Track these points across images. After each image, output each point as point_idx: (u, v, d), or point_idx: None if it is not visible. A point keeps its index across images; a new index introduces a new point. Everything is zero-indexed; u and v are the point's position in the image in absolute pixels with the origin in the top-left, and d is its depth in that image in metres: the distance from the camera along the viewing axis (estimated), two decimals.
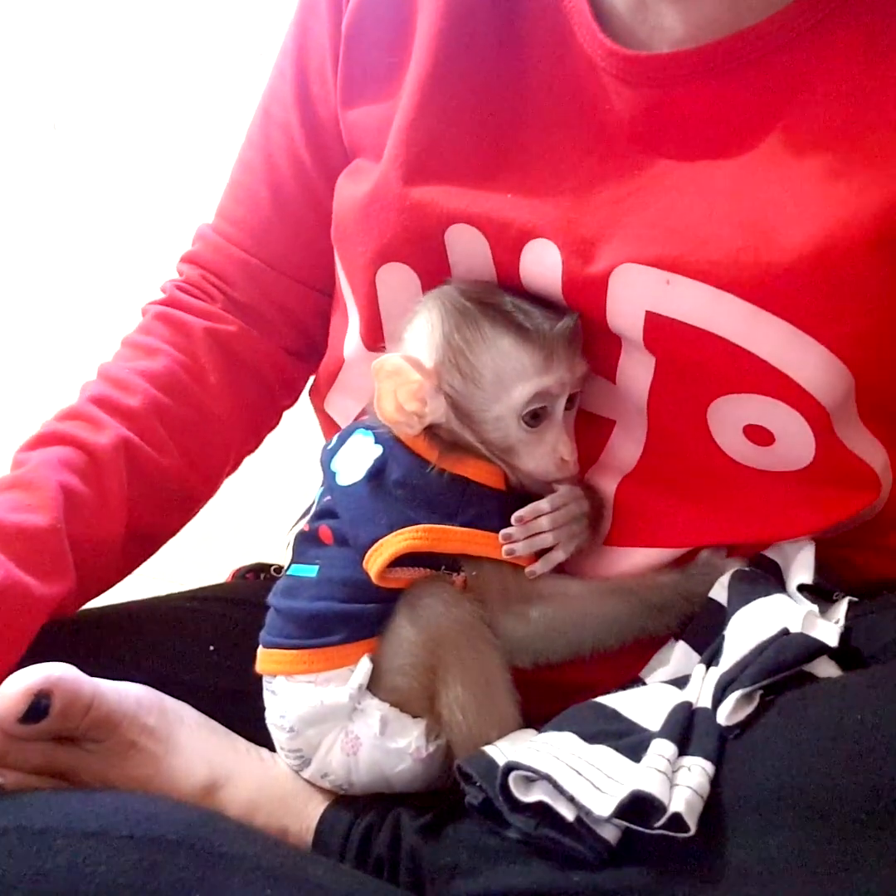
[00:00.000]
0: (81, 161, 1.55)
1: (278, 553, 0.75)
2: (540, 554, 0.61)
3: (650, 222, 0.58)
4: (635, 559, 0.63)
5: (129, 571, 0.71)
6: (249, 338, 0.76)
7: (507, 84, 0.64)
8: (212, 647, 0.69)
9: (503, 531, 0.59)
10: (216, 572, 0.84)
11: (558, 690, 0.60)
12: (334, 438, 0.65)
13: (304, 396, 0.82)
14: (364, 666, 0.59)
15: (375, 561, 0.58)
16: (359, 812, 0.58)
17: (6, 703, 0.54)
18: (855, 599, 0.56)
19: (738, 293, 0.55)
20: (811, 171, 0.56)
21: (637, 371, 0.61)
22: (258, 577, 0.82)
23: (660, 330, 0.58)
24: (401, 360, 0.59)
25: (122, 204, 1.53)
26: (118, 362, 0.73)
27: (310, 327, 0.77)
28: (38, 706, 0.54)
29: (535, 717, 0.58)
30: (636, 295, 0.58)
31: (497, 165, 0.63)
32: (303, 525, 0.65)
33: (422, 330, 0.61)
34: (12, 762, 0.55)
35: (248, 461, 0.81)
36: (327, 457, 0.64)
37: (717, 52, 0.58)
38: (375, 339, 0.68)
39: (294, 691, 0.60)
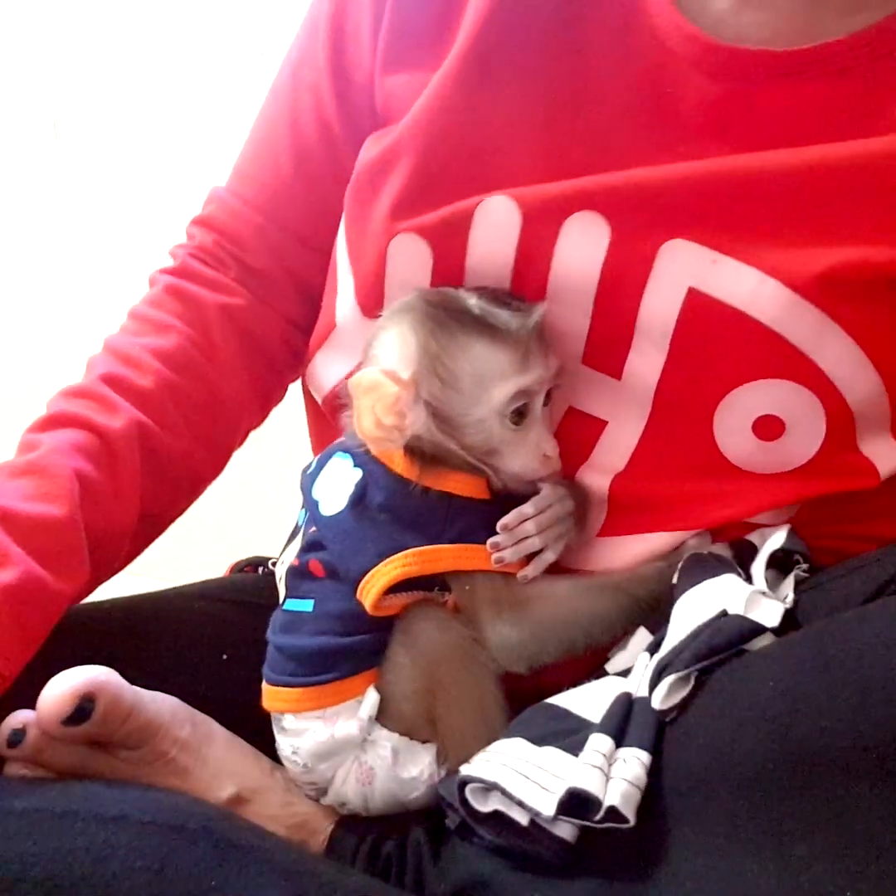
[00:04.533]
0: (81, 160, 1.59)
1: (274, 546, 0.77)
2: (529, 558, 0.63)
3: (703, 206, 0.61)
4: (639, 546, 0.66)
5: (136, 556, 0.72)
6: (260, 312, 0.78)
7: (564, 54, 0.65)
8: (224, 656, 0.72)
9: (491, 540, 0.61)
10: (215, 567, 0.86)
11: (545, 697, 0.62)
12: (313, 462, 0.68)
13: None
14: (371, 697, 0.62)
15: (369, 592, 0.60)
16: (372, 821, 0.63)
17: (52, 703, 0.55)
18: (804, 574, 0.59)
19: (781, 279, 0.59)
20: (872, 190, 0.59)
21: (646, 366, 0.64)
22: (256, 570, 0.85)
23: (698, 308, 0.61)
24: (377, 374, 0.61)
25: (122, 203, 1.56)
26: (127, 337, 0.74)
27: (319, 296, 0.77)
28: (82, 709, 0.55)
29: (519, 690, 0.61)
30: (680, 271, 0.61)
31: (548, 135, 0.65)
32: (289, 558, 0.67)
33: (393, 344, 0.63)
34: (46, 761, 0.57)
35: (247, 457, 0.82)
36: (308, 482, 0.66)
37: (804, 57, 0.61)
38: (373, 307, 0.69)
39: (304, 728, 0.63)
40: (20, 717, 0.56)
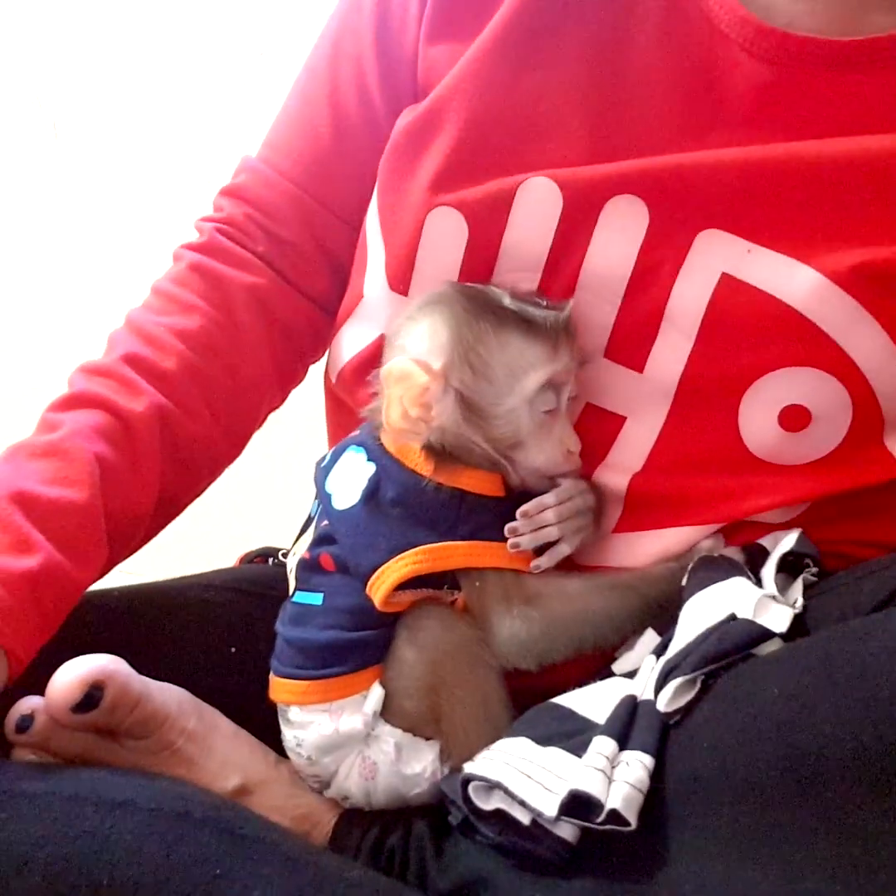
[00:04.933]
0: (81, 161, 1.59)
1: (283, 536, 0.77)
2: (542, 550, 0.64)
3: (743, 195, 0.62)
4: (654, 543, 0.66)
5: (152, 537, 0.73)
6: (285, 292, 0.77)
7: (608, 31, 0.66)
8: (232, 649, 0.72)
9: (509, 525, 0.62)
10: (223, 559, 0.87)
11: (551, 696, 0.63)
12: (327, 455, 0.68)
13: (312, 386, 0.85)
14: (376, 692, 0.63)
15: (379, 589, 0.61)
16: (376, 814, 0.63)
17: (61, 690, 0.56)
18: (813, 578, 0.59)
19: (817, 268, 0.60)
20: None
21: (671, 356, 0.64)
22: (266, 561, 0.85)
23: (731, 292, 0.62)
24: (409, 363, 0.62)
25: (122, 203, 1.56)
26: (150, 315, 0.73)
27: (347, 275, 0.77)
28: (91, 697, 0.56)
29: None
30: (714, 260, 0.63)
31: (589, 115, 0.65)
32: (301, 549, 0.67)
33: (424, 334, 0.64)
34: (53, 748, 0.57)
35: (257, 447, 0.82)
36: (321, 475, 0.67)
37: (853, 48, 0.62)
38: (401, 281, 0.69)
39: (309, 720, 0.64)
40: (29, 703, 0.57)
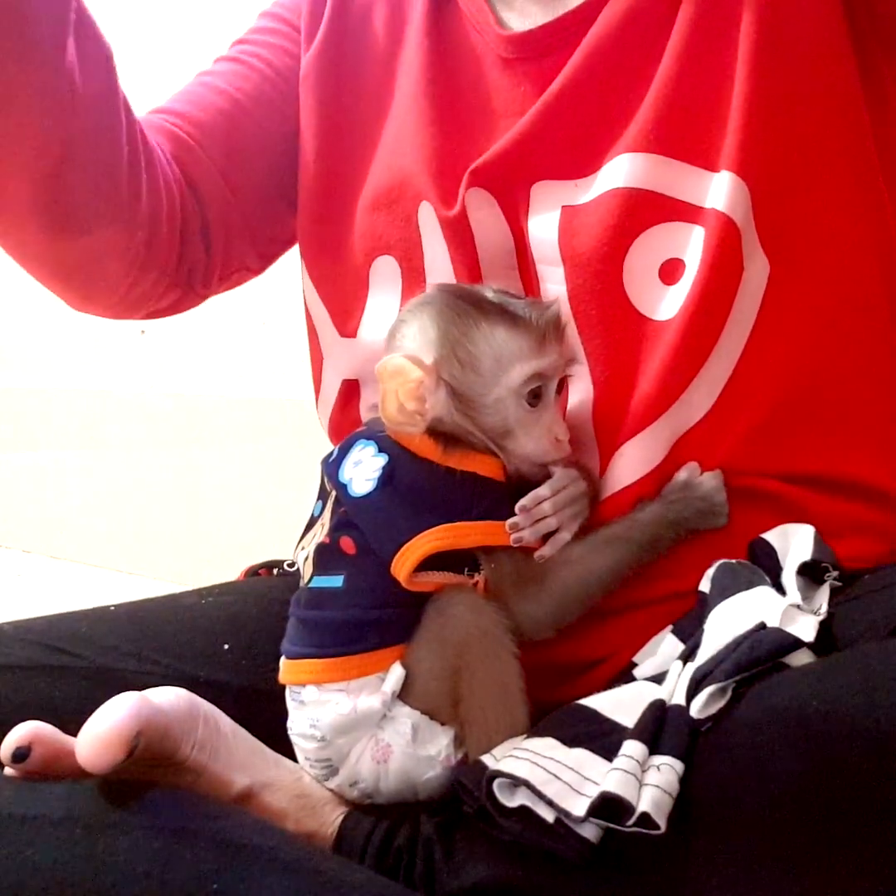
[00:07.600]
0: None
1: (284, 551, 0.81)
2: (546, 537, 0.66)
3: (549, 144, 0.72)
4: (637, 453, 0.69)
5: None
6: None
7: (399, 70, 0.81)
8: (226, 646, 0.73)
9: (509, 521, 0.64)
10: (226, 573, 0.89)
11: (566, 670, 0.68)
12: (334, 451, 0.70)
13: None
14: (396, 671, 0.63)
15: (404, 565, 0.62)
16: (383, 813, 0.63)
17: (104, 750, 0.51)
18: (838, 583, 0.60)
19: (630, 150, 0.68)
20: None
21: (555, 287, 0.71)
22: (271, 573, 0.87)
23: (572, 216, 0.70)
24: (402, 360, 0.65)
25: None
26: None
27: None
28: (131, 750, 0.52)
29: (547, 701, 0.63)
30: (550, 201, 0.71)
31: (431, 141, 0.77)
32: (310, 544, 0.68)
33: (415, 332, 0.67)
34: (50, 774, 0.54)
35: (253, 469, 0.85)
36: (332, 469, 0.68)
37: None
38: (349, 328, 0.80)
39: (326, 699, 0.64)
40: (24, 732, 0.54)
